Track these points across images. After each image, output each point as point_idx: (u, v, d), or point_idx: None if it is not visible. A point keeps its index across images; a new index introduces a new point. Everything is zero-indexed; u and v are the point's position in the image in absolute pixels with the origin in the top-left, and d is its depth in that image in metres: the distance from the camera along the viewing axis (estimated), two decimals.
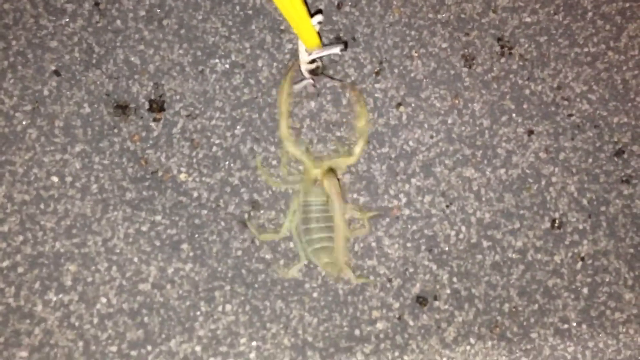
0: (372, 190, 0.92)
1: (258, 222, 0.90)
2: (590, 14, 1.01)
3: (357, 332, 0.89)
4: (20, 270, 0.85)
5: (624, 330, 0.93)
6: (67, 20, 0.91)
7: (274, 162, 0.91)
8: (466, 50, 0.98)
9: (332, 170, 0.88)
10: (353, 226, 0.90)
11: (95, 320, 0.85)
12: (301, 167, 0.90)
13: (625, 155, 0.97)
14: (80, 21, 0.92)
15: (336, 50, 0.91)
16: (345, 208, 0.88)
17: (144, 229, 0.87)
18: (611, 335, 0.93)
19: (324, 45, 0.92)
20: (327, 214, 0.87)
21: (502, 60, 0.99)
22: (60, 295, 0.85)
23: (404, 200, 0.92)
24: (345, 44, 0.93)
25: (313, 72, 0.92)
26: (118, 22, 0.92)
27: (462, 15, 0.99)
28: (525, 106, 0.97)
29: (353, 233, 0.90)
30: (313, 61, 0.92)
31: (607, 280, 0.94)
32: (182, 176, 0.90)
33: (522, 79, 0.98)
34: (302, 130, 0.92)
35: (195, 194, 0.89)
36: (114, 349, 0.84)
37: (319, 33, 0.90)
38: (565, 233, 0.94)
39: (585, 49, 1.01)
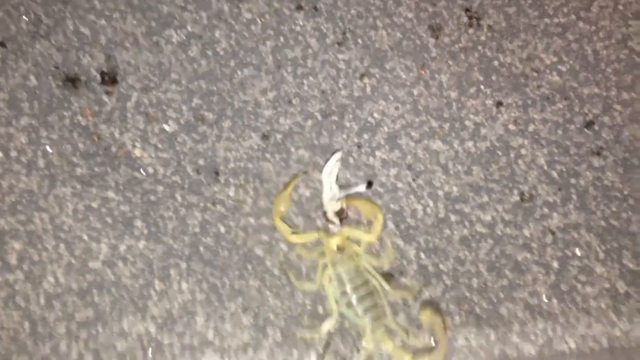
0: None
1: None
2: None
3: (320, 309, 0.86)
4: None
5: (596, 304, 0.91)
6: None
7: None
8: (433, 21, 0.96)
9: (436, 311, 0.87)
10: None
11: (42, 301, 0.81)
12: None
13: (595, 127, 0.95)
14: None
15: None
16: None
17: (94, 205, 0.84)
18: (582, 310, 0.91)
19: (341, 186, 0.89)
20: (362, 279, 0.85)
21: (470, 31, 0.97)
22: (5, 275, 0.81)
23: (368, 173, 0.89)
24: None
25: (338, 214, 0.88)
26: None
27: None
28: (493, 78, 0.95)
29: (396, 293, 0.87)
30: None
31: (577, 254, 0.92)
32: (137, 151, 0.86)
33: (490, 51, 0.96)
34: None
35: (150, 170, 0.86)
36: (62, 330, 0.81)
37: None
38: (535, 206, 0.92)
39: (555, 20, 0.99)
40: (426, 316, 0.86)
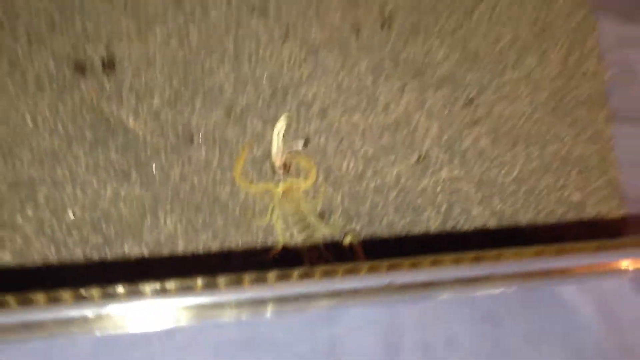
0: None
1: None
2: None
3: (269, 239, 1.16)
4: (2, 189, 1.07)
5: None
6: None
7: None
8: (355, 22, 1.25)
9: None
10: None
11: (64, 229, 1.08)
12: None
13: (474, 104, 1.27)
14: None
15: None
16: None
17: (100, 162, 1.11)
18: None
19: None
20: (301, 216, 1.11)
21: (383, 33, 1.26)
22: (35, 211, 1.07)
23: (305, 138, 1.19)
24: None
25: (283, 166, 1.14)
26: None
27: None
28: (400, 67, 1.25)
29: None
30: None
31: (460, 199, 1.24)
32: (131, 122, 1.13)
33: (399, 47, 1.26)
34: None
35: (141, 136, 1.13)
36: (79, 252, 1.08)
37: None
38: (429, 163, 1.23)
39: (447, 25, 1.29)
40: (347, 240, 1.17)
